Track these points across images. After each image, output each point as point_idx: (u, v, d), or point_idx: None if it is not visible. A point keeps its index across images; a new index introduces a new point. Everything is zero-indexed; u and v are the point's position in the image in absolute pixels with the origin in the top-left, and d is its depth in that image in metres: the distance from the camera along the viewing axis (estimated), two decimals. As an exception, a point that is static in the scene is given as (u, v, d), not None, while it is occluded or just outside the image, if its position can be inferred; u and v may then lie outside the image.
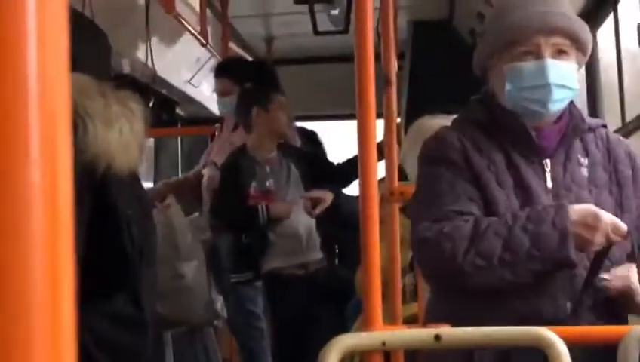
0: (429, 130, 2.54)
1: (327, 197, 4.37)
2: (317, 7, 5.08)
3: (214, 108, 5.39)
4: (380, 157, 2.39)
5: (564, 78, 2.12)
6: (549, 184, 2.11)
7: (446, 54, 5.41)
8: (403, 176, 3.24)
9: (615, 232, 1.97)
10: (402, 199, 2.86)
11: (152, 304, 2.20)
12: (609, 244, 1.99)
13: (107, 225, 2.05)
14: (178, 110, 6.47)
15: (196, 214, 4.33)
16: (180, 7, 4.44)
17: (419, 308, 3.06)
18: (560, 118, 2.17)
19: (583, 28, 2.15)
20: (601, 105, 4.19)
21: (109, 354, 2.03)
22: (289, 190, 4.46)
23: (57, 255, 0.51)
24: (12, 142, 0.49)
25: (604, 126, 2.26)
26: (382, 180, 2.59)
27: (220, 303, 3.90)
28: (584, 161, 2.15)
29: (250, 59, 6.26)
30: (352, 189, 4.71)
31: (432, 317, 2.15)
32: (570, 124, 2.16)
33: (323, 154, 5.02)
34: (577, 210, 1.99)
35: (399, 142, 3.36)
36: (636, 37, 3.56)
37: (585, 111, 2.46)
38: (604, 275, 2.03)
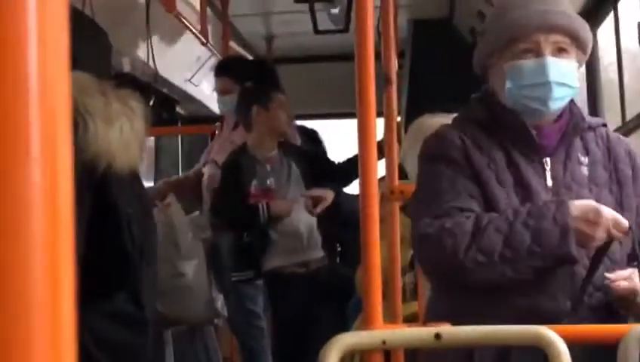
0: (430, 128, 2.54)
1: (328, 195, 4.37)
2: (317, 5, 5.08)
3: (215, 106, 5.38)
4: (380, 155, 2.39)
5: (564, 76, 2.12)
6: (549, 182, 2.11)
7: (446, 53, 5.41)
8: (403, 175, 3.24)
9: (616, 228, 1.97)
10: (402, 198, 2.86)
11: (152, 303, 2.20)
12: (610, 240, 1.99)
13: (107, 224, 2.05)
14: (178, 109, 6.47)
15: (197, 213, 4.33)
16: (180, 6, 4.44)
17: (419, 307, 3.06)
18: (560, 116, 2.17)
19: (583, 26, 2.15)
20: (602, 103, 4.19)
21: (109, 354, 2.03)
22: (290, 188, 4.46)
23: (57, 255, 0.50)
24: (12, 141, 0.49)
25: (605, 125, 2.26)
26: (382, 179, 2.59)
27: (220, 302, 3.90)
28: (584, 159, 2.15)
29: (250, 57, 6.26)
30: (353, 188, 4.71)
31: (433, 314, 2.15)
32: (571, 122, 2.16)
33: (323, 152, 5.02)
34: (578, 205, 1.99)
35: (399, 141, 3.36)
36: (636, 35, 3.56)
37: (585, 110, 2.46)
38: (608, 275, 2.03)
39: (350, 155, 4.59)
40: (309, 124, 5.53)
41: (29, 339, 0.49)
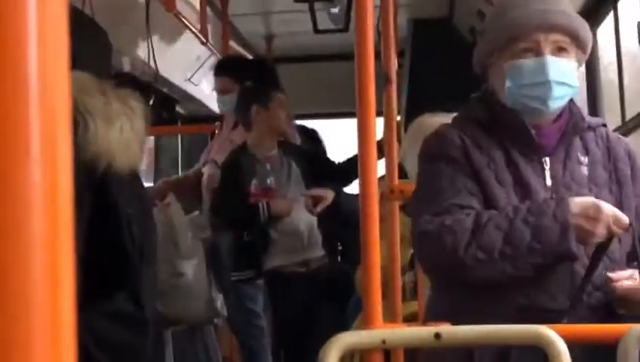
0: (429, 128, 2.54)
1: (328, 195, 4.37)
2: (317, 5, 5.08)
3: (214, 106, 5.38)
4: (380, 155, 2.39)
5: (564, 75, 2.12)
6: (549, 182, 2.11)
7: (446, 52, 5.41)
8: (403, 174, 3.24)
9: (616, 224, 1.97)
10: (402, 197, 2.86)
11: (152, 302, 2.20)
12: (610, 237, 1.99)
13: (107, 224, 2.05)
14: (178, 108, 6.47)
15: (196, 212, 4.33)
16: (180, 5, 4.44)
17: (419, 306, 3.06)
18: (560, 116, 2.17)
19: (582, 26, 2.15)
20: (601, 103, 4.19)
21: (109, 354, 2.03)
22: (290, 188, 4.46)
23: (57, 255, 0.50)
24: (12, 141, 0.49)
25: (604, 125, 2.26)
26: (382, 178, 2.59)
27: (220, 301, 3.90)
28: (584, 159, 2.15)
29: (250, 57, 6.26)
30: (353, 188, 4.71)
31: (433, 313, 2.15)
32: (570, 122, 2.16)
33: (323, 152, 5.02)
34: (578, 202, 1.99)
35: (399, 140, 3.36)
36: (636, 35, 3.56)
37: (585, 110, 2.46)
38: (610, 274, 2.03)
39: (350, 155, 4.59)
40: (309, 123, 5.53)
41: (29, 339, 0.49)
